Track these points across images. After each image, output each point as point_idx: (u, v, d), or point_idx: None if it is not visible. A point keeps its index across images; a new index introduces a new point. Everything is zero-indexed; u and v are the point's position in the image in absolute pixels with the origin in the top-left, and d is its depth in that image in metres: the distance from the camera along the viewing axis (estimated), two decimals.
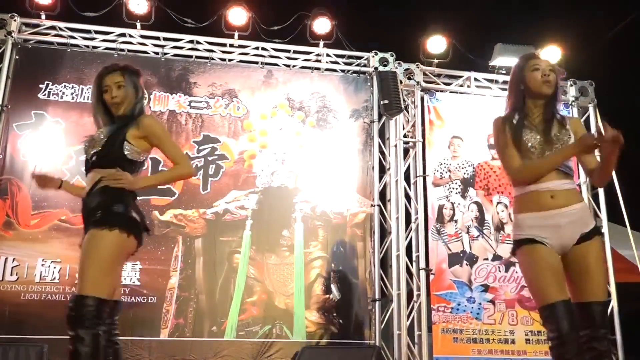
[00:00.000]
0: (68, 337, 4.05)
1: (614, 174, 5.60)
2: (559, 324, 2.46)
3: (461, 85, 5.99)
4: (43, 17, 5.40)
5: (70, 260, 4.93)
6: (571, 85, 6.05)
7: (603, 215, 5.69)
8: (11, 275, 4.85)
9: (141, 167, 2.88)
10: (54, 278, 4.90)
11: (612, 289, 5.45)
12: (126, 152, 2.74)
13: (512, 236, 2.73)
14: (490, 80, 6.04)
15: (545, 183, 2.60)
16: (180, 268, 5.11)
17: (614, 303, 5.41)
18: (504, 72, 6.03)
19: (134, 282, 4.99)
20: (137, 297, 4.95)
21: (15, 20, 5.28)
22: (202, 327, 5.02)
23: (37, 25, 5.41)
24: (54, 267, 4.94)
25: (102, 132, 2.83)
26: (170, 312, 5.00)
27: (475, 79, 6.00)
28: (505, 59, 5.97)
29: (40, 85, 5.29)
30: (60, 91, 5.32)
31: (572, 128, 2.68)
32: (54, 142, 5.20)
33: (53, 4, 5.37)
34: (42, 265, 4.92)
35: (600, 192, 5.71)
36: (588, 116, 6.02)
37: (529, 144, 2.60)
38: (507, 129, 2.65)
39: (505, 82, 6.05)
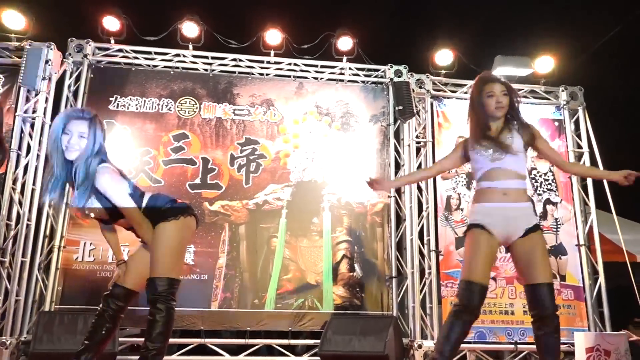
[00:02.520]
0: (135, 307, 4.20)
1: (601, 166, 5.53)
2: (470, 298, 2.59)
3: (465, 92, 5.93)
4: (112, 41, 5.52)
5: (135, 243, 5.02)
6: (563, 91, 5.96)
7: (592, 203, 5.60)
8: (89, 256, 4.99)
9: None
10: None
11: (600, 267, 5.37)
12: None
13: (468, 221, 2.83)
14: None
15: (501, 181, 2.70)
16: (227, 250, 5.20)
17: (601, 280, 5.34)
18: (503, 80, 5.95)
19: (189, 262, 5.09)
20: (192, 275, 5.05)
21: (90, 45, 5.42)
22: (245, 300, 5.10)
23: (107, 49, 5.53)
24: (124, 250, 5.03)
25: None
26: (219, 288, 5.10)
27: None
28: (504, 69, 5.90)
29: (110, 98, 5.41)
30: (127, 103, 5.45)
31: (528, 132, 2.81)
32: (122, 145, 5.32)
33: (120, 30, 5.49)
34: None
35: (589, 182, 5.62)
36: (577, 118, 5.92)
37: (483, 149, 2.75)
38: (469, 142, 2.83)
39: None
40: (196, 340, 4.94)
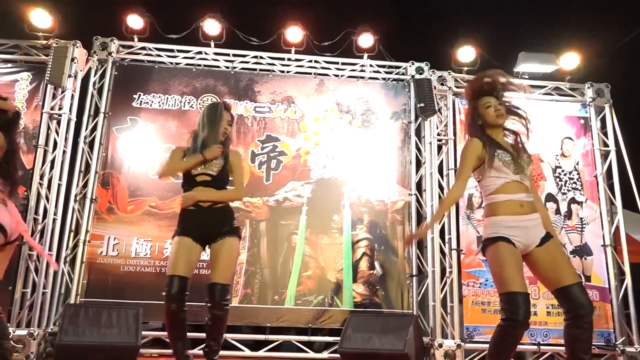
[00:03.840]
0: (158, 302, 4.32)
1: (629, 167, 5.42)
2: (517, 310, 2.54)
3: None
4: (136, 39, 5.60)
5: (158, 239, 5.14)
6: (589, 88, 5.85)
7: (618, 202, 5.48)
8: (113, 251, 5.09)
9: None
10: (146, 254, 5.12)
11: (627, 268, 5.26)
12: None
13: (485, 234, 2.79)
14: None
15: (517, 194, 2.73)
16: (247, 247, 5.24)
17: (628, 281, 5.23)
18: (527, 77, 5.88)
19: (210, 258, 5.14)
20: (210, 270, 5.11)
21: (114, 43, 5.52)
22: (266, 296, 5.14)
23: (131, 47, 5.61)
24: (146, 245, 5.15)
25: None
26: (240, 283, 5.14)
27: None
28: (528, 66, 5.82)
29: (134, 96, 5.50)
30: (150, 100, 5.53)
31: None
32: (145, 142, 5.41)
33: (144, 28, 5.57)
34: (137, 243, 5.13)
35: (616, 182, 5.51)
36: (604, 115, 5.80)
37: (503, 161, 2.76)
38: (487, 149, 2.78)
39: (528, 86, 5.91)
40: None
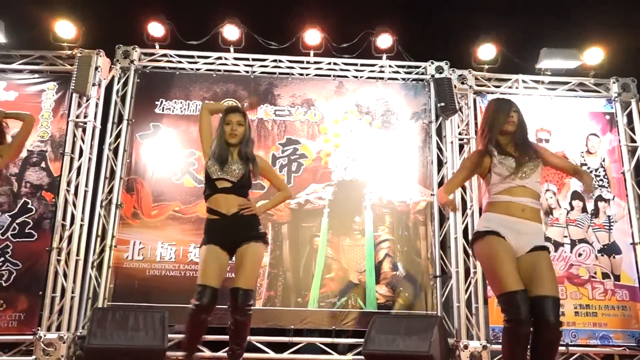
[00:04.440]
0: (183, 305, 4.41)
1: None
2: (519, 309, 2.50)
3: (510, 87, 5.80)
4: (157, 47, 5.69)
5: (182, 243, 5.21)
6: (614, 82, 5.72)
7: None
8: (138, 255, 5.17)
9: None
10: (171, 258, 5.18)
11: None
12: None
13: (476, 228, 2.82)
14: (537, 82, 5.81)
15: (519, 198, 2.71)
16: (270, 250, 5.26)
17: None
18: (550, 73, 5.79)
19: (233, 261, 5.18)
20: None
21: (136, 51, 5.62)
22: (289, 298, 5.16)
23: (153, 54, 5.71)
24: (171, 249, 5.22)
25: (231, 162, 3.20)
26: (263, 286, 5.17)
27: (523, 81, 5.79)
28: (551, 62, 5.73)
29: (156, 102, 5.59)
30: (172, 106, 5.61)
31: (540, 151, 2.92)
32: (168, 147, 5.49)
33: (164, 35, 5.65)
34: (161, 247, 5.20)
35: None
36: (630, 110, 5.67)
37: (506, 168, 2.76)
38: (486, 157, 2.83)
39: (551, 83, 5.82)
40: None
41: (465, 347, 4.77)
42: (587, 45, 5.74)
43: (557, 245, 5.21)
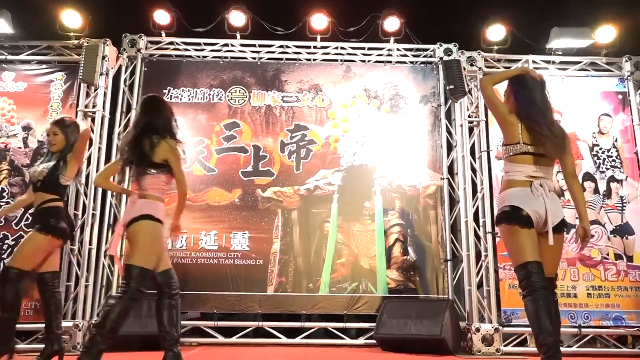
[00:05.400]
0: (197, 292, 4.48)
1: None
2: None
3: None
4: (163, 34, 5.67)
5: (193, 231, 5.23)
6: (626, 61, 5.62)
7: None
8: None
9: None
10: (182, 245, 5.21)
11: None
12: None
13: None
14: (548, 62, 5.72)
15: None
16: (280, 236, 5.28)
17: None
18: (561, 53, 5.70)
19: (244, 248, 5.22)
20: (247, 260, 5.18)
21: (142, 39, 5.61)
22: (300, 284, 5.19)
23: (159, 42, 5.69)
24: (182, 237, 5.23)
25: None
26: (274, 272, 5.19)
27: (533, 61, 5.70)
28: (562, 41, 5.63)
29: (164, 90, 5.58)
30: (179, 94, 5.61)
31: None
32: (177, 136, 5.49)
33: (170, 23, 5.63)
34: None
35: None
36: None
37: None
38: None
39: (562, 63, 5.73)
40: (254, 324, 5.08)
41: (477, 330, 4.78)
42: (598, 24, 5.64)
43: (569, 227, 5.16)
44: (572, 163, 2.82)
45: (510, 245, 2.78)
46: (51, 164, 3.57)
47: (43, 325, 4.64)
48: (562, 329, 4.93)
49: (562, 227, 2.77)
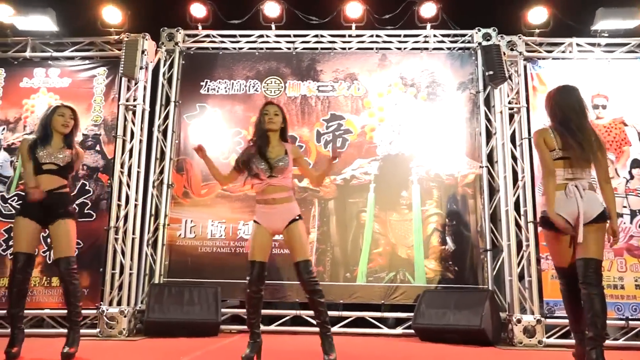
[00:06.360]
0: (236, 280, 4.56)
1: None
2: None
3: (563, 52, 5.51)
4: (200, 28, 5.74)
5: (231, 220, 5.32)
6: None
7: None
8: (190, 233, 5.33)
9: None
10: (221, 235, 5.31)
11: None
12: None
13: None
14: (593, 44, 5.48)
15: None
16: (317, 225, 5.30)
17: None
18: (607, 35, 5.45)
19: (282, 238, 5.23)
20: (285, 250, 5.15)
21: (180, 33, 5.70)
22: (337, 273, 5.20)
23: (196, 35, 5.77)
24: (221, 227, 5.34)
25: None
26: (312, 262, 5.20)
27: (578, 44, 5.48)
28: (608, 22, 5.38)
29: (201, 83, 5.67)
30: (216, 86, 5.68)
31: None
32: (214, 127, 5.58)
33: (207, 16, 5.69)
34: (212, 225, 5.33)
35: None
36: None
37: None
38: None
39: (608, 45, 5.48)
40: (292, 312, 5.13)
41: (519, 321, 4.67)
42: None
43: (617, 216, 4.97)
44: (605, 168, 3.04)
45: (550, 248, 3.22)
46: (68, 151, 3.56)
47: (91, 311, 4.86)
48: (608, 322, 4.78)
49: (600, 219, 2.95)
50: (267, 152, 3.29)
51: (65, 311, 3.58)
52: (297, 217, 3.30)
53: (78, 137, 5.33)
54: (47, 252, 5.01)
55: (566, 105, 3.06)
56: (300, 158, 3.48)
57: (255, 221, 3.32)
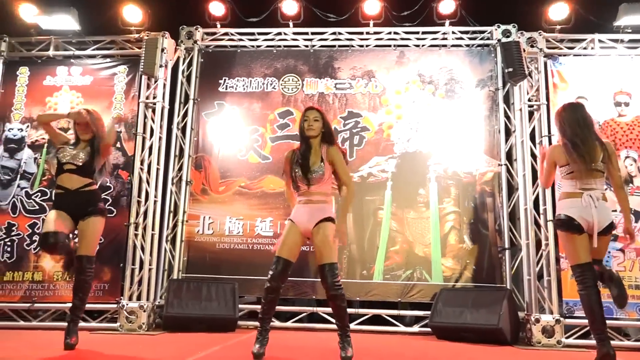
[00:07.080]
0: (253, 277, 4.58)
1: None
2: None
3: (585, 48, 5.41)
4: (218, 26, 5.78)
5: (249, 217, 5.35)
6: None
7: None
8: (208, 229, 5.38)
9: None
10: (239, 232, 5.35)
11: None
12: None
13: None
14: (615, 40, 5.37)
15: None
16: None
17: None
18: (630, 30, 5.34)
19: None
20: (302, 247, 5.21)
21: (198, 31, 5.75)
22: (354, 271, 5.20)
23: (215, 33, 5.81)
24: (238, 223, 5.38)
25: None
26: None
27: (600, 41, 5.38)
28: (631, 18, 5.26)
29: (220, 81, 5.71)
30: (235, 84, 5.71)
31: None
32: (232, 125, 5.62)
33: (225, 14, 5.73)
34: (229, 221, 5.37)
35: None
36: None
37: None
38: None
39: (631, 41, 5.37)
40: (308, 309, 5.15)
41: (537, 320, 4.62)
42: None
43: (637, 215, 4.88)
44: (616, 175, 3.37)
45: (567, 248, 3.39)
46: (88, 149, 3.72)
47: (112, 305, 4.94)
48: (629, 322, 4.73)
49: (607, 230, 3.27)
50: (306, 161, 3.31)
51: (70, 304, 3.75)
52: (328, 218, 3.28)
53: None
54: None
55: (573, 121, 3.37)
56: (335, 161, 3.37)
57: (290, 219, 3.36)
